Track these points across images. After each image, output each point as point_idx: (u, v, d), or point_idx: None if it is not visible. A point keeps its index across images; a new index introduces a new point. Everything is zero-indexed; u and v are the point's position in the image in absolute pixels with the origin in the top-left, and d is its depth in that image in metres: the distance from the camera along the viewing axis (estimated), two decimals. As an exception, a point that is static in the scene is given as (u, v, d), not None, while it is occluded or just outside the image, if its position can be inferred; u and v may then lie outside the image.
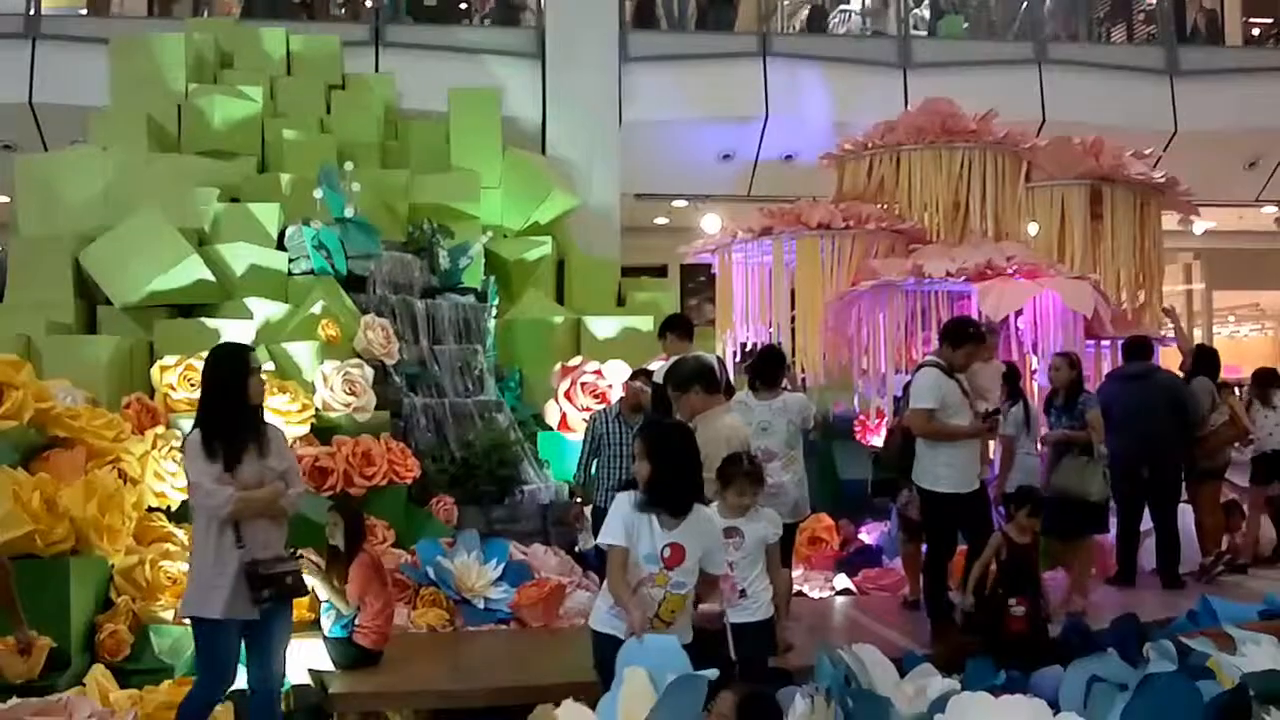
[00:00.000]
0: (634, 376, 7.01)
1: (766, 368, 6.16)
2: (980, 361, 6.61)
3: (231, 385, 4.33)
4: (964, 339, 6.08)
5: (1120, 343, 9.01)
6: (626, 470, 6.41)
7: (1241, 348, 19.52)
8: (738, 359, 9.57)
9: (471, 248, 9.44)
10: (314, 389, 7.44)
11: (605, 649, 4.01)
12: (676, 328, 6.74)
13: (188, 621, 4.73)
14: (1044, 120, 12.36)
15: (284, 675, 4.62)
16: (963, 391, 6.05)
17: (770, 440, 5.86)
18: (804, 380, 9.26)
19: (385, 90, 11.23)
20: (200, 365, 6.89)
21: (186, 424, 6.49)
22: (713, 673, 3.68)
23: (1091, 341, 9.07)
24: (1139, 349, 7.80)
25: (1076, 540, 6.93)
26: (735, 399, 6.11)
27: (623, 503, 4.03)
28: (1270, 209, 15.10)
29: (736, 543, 4.47)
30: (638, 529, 3.95)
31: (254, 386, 4.37)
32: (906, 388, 6.59)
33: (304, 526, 6.08)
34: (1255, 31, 15.37)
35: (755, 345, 9.30)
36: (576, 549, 7.19)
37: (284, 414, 7.09)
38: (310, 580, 5.94)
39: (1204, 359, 8.10)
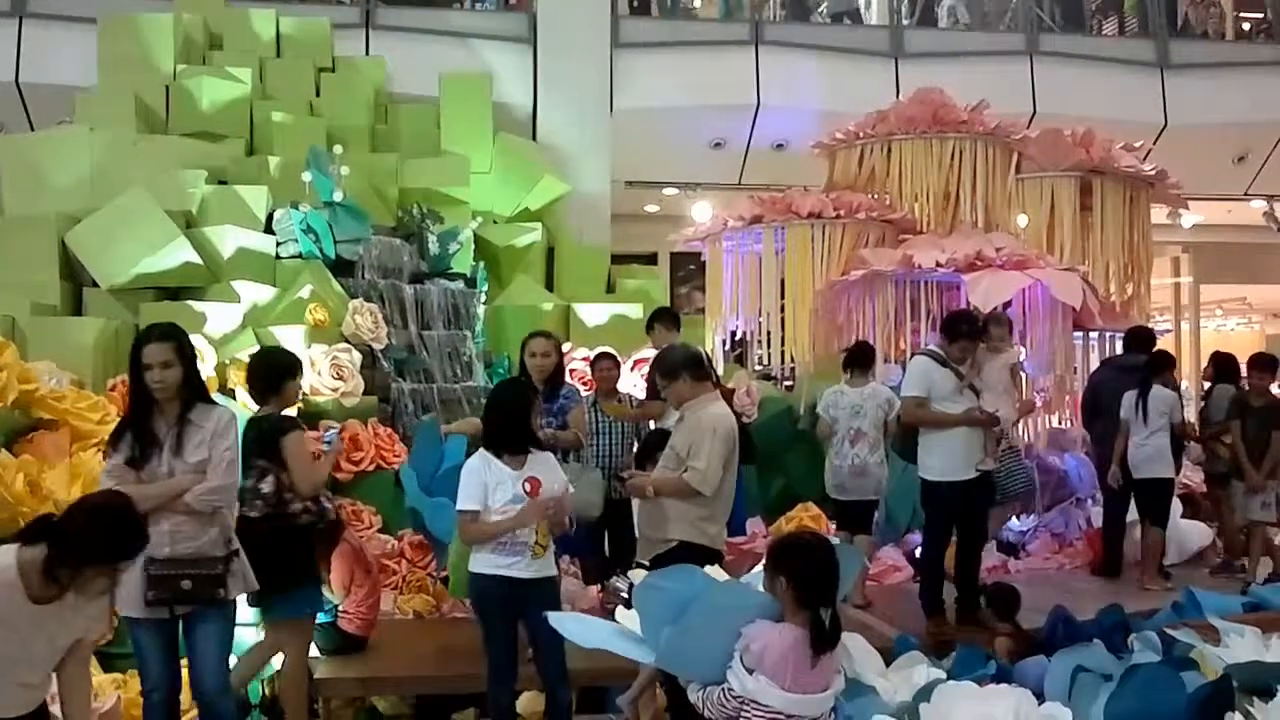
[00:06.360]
0: (598, 359, 7.05)
1: (859, 357, 6.94)
2: (990, 353, 6.58)
3: (134, 374, 4.10)
4: (957, 334, 6.12)
5: (1110, 334, 9.08)
6: (608, 456, 6.42)
7: (1229, 342, 19.59)
8: (727, 347, 9.56)
9: (461, 233, 9.40)
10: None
11: (489, 588, 4.48)
12: (664, 319, 6.80)
13: None
14: (1035, 112, 12.37)
15: (222, 681, 4.28)
16: (965, 382, 6.08)
17: (862, 422, 6.65)
18: (793, 369, 9.28)
19: (375, 74, 11.16)
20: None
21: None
22: None
23: (1079, 333, 9.09)
24: (1140, 341, 7.81)
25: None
26: (832, 388, 7.00)
27: (474, 466, 4.51)
28: (1258, 203, 15.15)
29: None
30: (497, 480, 4.44)
31: (150, 378, 4.04)
32: None
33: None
34: (1245, 26, 15.40)
35: (745, 334, 9.32)
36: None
37: (271, 398, 7.06)
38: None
39: (1224, 366, 8.08)
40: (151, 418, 4.10)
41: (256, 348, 7.43)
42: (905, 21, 13.92)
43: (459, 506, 4.50)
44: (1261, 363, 7.53)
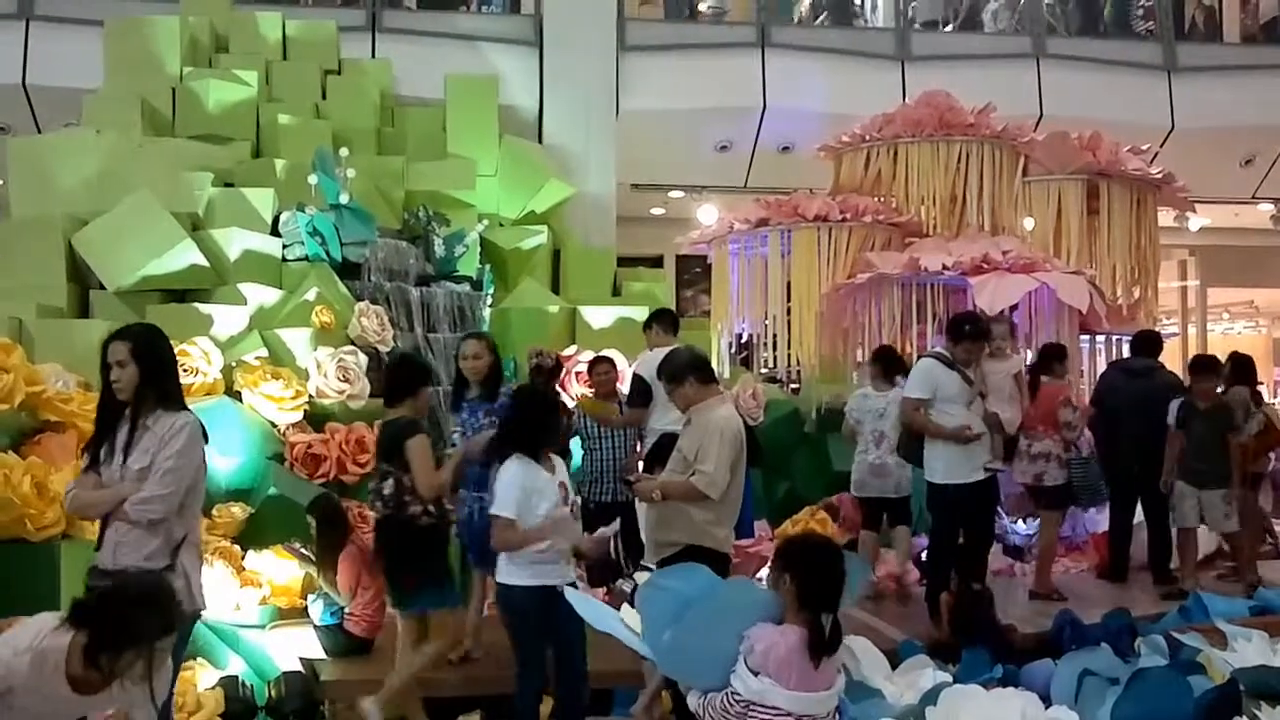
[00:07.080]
0: (595, 363, 7.05)
1: (885, 362, 7.07)
2: (995, 359, 6.55)
3: (102, 374, 3.96)
4: (961, 335, 6.13)
5: (1117, 337, 9.06)
6: (608, 461, 6.42)
7: (1236, 345, 19.50)
8: (733, 350, 9.56)
9: (467, 236, 9.41)
10: (307, 376, 7.41)
11: (530, 600, 4.38)
12: (661, 320, 6.79)
13: None
14: (1041, 115, 12.35)
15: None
16: (969, 384, 6.07)
17: (884, 425, 6.76)
18: (799, 372, 9.27)
19: (382, 76, 11.18)
20: (193, 351, 6.94)
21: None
22: None
23: (1086, 336, 9.08)
24: (1147, 344, 7.77)
25: None
26: (858, 391, 7.23)
27: (517, 471, 4.38)
28: (1266, 206, 15.11)
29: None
30: (541, 486, 4.39)
31: (110, 376, 3.91)
32: None
33: (297, 515, 6.08)
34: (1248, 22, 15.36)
35: (751, 337, 9.31)
36: None
37: (277, 400, 7.07)
38: (305, 569, 5.96)
39: (1240, 368, 7.78)
40: (117, 420, 3.92)
41: (264, 351, 7.47)
42: (948, 27, 13.94)
43: (500, 512, 4.36)
44: (1203, 366, 7.26)
